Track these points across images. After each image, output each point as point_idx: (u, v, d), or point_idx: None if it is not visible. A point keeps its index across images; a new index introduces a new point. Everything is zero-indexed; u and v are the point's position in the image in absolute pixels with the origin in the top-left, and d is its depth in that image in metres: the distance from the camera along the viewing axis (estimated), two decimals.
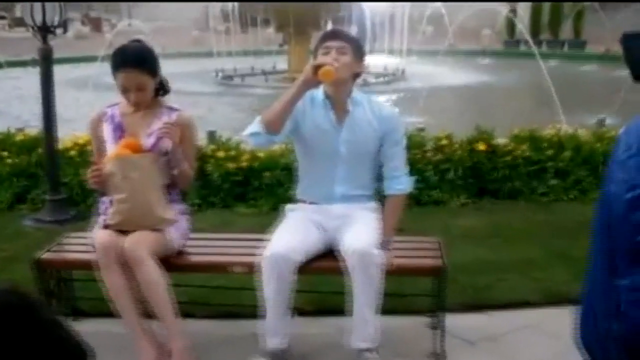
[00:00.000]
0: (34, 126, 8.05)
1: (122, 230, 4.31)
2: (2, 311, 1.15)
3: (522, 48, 24.52)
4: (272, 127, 4.24)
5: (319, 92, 4.44)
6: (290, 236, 4.25)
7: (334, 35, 4.48)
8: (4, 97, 16.27)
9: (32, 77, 7.13)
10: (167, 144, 4.39)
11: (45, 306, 1.23)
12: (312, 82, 4.19)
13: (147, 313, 4.24)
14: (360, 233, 4.22)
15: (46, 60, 6.89)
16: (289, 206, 4.66)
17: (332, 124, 4.40)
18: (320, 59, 4.27)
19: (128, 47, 4.51)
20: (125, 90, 4.39)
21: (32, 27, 6.90)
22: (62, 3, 6.89)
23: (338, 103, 4.43)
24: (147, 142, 4.44)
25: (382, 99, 13.76)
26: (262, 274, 4.11)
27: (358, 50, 4.45)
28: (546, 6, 27.33)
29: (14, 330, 1.12)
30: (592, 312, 1.79)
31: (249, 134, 4.32)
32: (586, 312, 1.82)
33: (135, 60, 4.38)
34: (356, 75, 4.49)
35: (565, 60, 22.52)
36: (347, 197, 4.49)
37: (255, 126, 4.27)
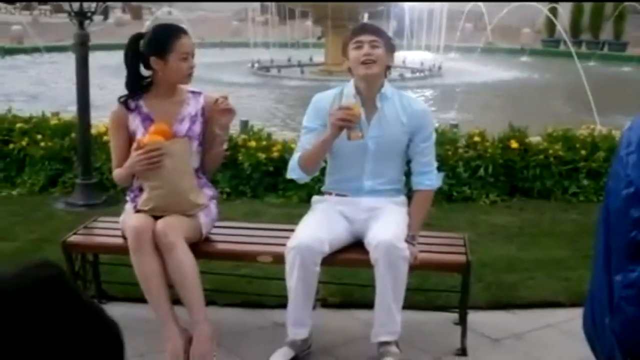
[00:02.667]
0: (70, 111, 8.12)
1: (154, 215, 4.33)
2: (46, 284, 1.15)
3: (562, 48, 24.33)
4: (311, 171, 4.50)
5: (349, 87, 4.44)
6: (316, 227, 4.25)
7: (365, 29, 4.48)
8: (42, 81, 16.41)
9: (71, 62, 7.19)
10: (229, 117, 4.45)
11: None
12: (340, 131, 4.23)
13: (172, 298, 4.26)
14: (386, 226, 4.21)
15: (82, 45, 6.95)
16: (315, 198, 4.66)
17: (360, 120, 4.39)
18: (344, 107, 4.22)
19: (164, 23, 4.74)
20: (185, 58, 4.43)
21: (69, 13, 6.97)
22: None
23: (368, 99, 4.42)
24: (180, 127, 4.47)
25: (417, 94, 13.78)
26: (286, 264, 4.13)
27: (388, 44, 4.45)
28: (587, 6, 27.07)
29: (60, 302, 1.13)
30: (592, 306, 1.79)
31: (291, 177, 4.56)
32: (588, 305, 1.82)
33: (184, 29, 4.58)
34: (387, 69, 4.49)
35: (605, 61, 22.29)
36: (375, 191, 4.48)
37: (296, 172, 4.46)
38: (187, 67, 4.44)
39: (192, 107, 4.53)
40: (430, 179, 4.48)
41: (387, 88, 4.47)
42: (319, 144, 4.31)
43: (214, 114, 4.46)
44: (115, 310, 4.79)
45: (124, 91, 4.57)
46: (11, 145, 7.75)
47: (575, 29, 26.72)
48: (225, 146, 4.56)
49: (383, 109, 4.41)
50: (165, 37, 4.42)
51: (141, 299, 4.29)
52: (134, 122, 4.49)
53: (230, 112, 4.43)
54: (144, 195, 4.39)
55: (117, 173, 4.52)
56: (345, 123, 4.14)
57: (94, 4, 6.98)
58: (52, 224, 6.44)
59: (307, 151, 4.39)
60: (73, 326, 1.11)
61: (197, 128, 4.51)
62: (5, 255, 5.65)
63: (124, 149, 4.46)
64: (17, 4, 36.28)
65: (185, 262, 4.18)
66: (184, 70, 4.44)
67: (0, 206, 7.01)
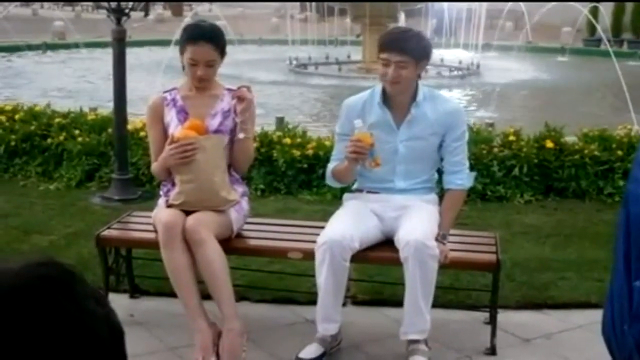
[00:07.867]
0: (109, 106, 8.19)
1: (185, 210, 4.37)
2: (40, 283, 1.14)
3: (603, 47, 24.02)
4: (344, 183, 4.71)
5: (378, 91, 4.44)
6: (346, 223, 4.26)
7: (393, 46, 4.27)
8: (81, 76, 16.55)
9: (110, 58, 7.25)
10: (245, 104, 4.44)
11: (83, 280, 1.22)
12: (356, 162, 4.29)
13: (202, 293, 4.29)
14: (417, 224, 4.20)
15: (119, 42, 7.01)
16: (347, 195, 4.67)
17: (389, 124, 4.38)
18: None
19: (203, 23, 4.67)
20: (193, 64, 4.43)
21: (107, 10, 7.04)
22: None
23: (398, 103, 4.41)
24: (212, 122, 4.51)
25: (454, 93, 13.72)
26: (316, 260, 4.14)
27: (419, 57, 4.30)
28: (629, 6, 26.74)
29: (49, 303, 1.11)
30: (611, 311, 1.74)
31: (330, 184, 4.80)
32: (607, 310, 1.78)
33: (210, 36, 4.48)
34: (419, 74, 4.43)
35: None
36: (407, 191, 4.49)
37: (331, 181, 4.62)
38: (194, 73, 4.46)
39: (226, 102, 4.56)
40: (461, 178, 4.46)
41: (421, 93, 4.41)
42: (343, 170, 4.40)
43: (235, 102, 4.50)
44: (148, 305, 4.89)
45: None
46: (49, 140, 7.84)
47: (616, 28, 26.40)
48: (245, 135, 4.50)
49: (415, 113, 4.38)
50: (184, 38, 4.48)
51: (174, 294, 4.33)
52: (169, 114, 4.54)
53: (245, 99, 4.44)
54: (176, 189, 4.43)
55: (154, 166, 4.57)
56: (356, 155, 4.18)
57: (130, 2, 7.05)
58: (88, 218, 6.50)
59: (336, 169, 4.46)
60: (57, 331, 1.10)
61: (229, 123, 4.53)
62: (40, 249, 5.72)
63: (160, 142, 4.50)
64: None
65: (215, 259, 4.20)
66: (192, 75, 4.48)
67: (38, 200, 7.09)
